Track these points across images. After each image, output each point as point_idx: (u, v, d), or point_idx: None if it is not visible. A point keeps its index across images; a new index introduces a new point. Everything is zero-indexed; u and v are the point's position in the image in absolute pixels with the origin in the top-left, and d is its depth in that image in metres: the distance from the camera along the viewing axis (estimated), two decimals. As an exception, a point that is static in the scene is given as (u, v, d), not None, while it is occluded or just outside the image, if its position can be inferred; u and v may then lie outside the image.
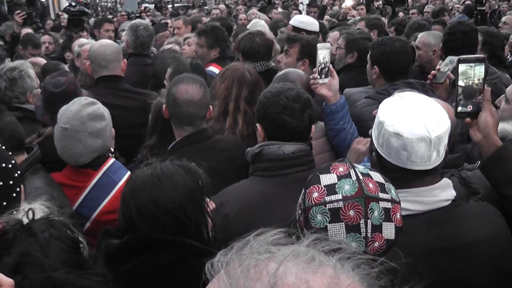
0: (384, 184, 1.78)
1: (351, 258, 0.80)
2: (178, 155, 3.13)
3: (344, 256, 0.80)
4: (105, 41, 4.99)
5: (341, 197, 1.69)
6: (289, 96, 2.82)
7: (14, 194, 2.08)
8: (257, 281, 0.76)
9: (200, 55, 5.88)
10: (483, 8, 8.60)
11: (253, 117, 3.65)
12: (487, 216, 2.27)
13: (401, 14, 11.37)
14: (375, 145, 2.18)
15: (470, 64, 2.44)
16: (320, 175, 1.77)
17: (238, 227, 2.41)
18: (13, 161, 2.13)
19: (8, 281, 1.23)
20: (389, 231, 1.71)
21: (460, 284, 2.13)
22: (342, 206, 1.68)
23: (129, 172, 3.23)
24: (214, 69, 5.49)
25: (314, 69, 3.50)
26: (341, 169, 1.77)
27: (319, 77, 3.44)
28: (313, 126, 2.94)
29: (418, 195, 2.13)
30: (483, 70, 2.44)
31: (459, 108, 2.45)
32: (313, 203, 1.71)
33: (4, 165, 2.05)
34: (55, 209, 1.84)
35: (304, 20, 6.33)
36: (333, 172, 1.76)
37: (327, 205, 1.69)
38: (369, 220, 1.68)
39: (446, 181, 2.22)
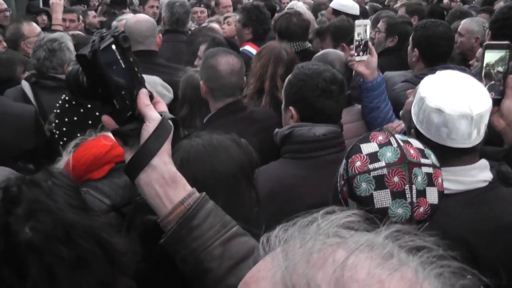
0: (423, 150, 1.80)
1: (436, 263, 0.68)
2: (214, 127, 3.23)
3: (428, 260, 0.68)
4: (141, 16, 5.08)
5: (384, 164, 1.72)
6: (326, 78, 2.81)
7: None
8: (319, 269, 0.65)
9: (237, 33, 5.94)
10: (533, -5, 8.41)
11: None
12: None
13: (445, 1, 11.22)
14: (415, 121, 2.20)
15: (495, 51, 2.44)
16: (361, 145, 1.81)
17: (268, 211, 2.41)
18: None
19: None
20: (433, 195, 1.74)
21: (495, 266, 2.13)
22: (386, 173, 1.71)
23: None
24: (250, 48, 5.52)
25: (351, 46, 3.53)
26: (380, 137, 1.80)
27: (355, 54, 3.46)
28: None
29: (456, 174, 2.14)
30: (507, 57, 2.43)
31: None
32: (357, 172, 1.75)
33: None
34: None
35: (344, 3, 6.30)
36: (373, 141, 1.80)
37: (371, 172, 1.72)
38: (413, 186, 1.71)
39: (484, 162, 2.23)
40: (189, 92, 3.72)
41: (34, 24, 5.47)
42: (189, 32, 6.03)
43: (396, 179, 1.71)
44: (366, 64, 3.49)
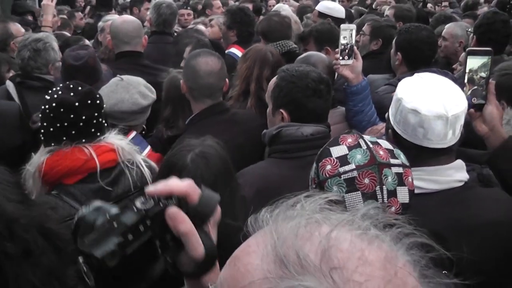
0: (393, 150, 1.86)
1: (407, 237, 0.76)
2: (197, 128, 3.28)
3: (399, 234, 0.76)
4: (127, 17, 5.17)
5: (354, 167, 1.77)
6: (314, 78, 2.87)
7: None
8: (307, 241, 0.72)
9: (222, 35, 6.00)
10: (517, 3, 8.56)
11: None
12: (500, 200, 2.34)
13: (429, 5, 11.34)
14: (392, 122, 2.26)
15: (478, 57, 2.51)
16: (331, 148, 1.85)
17: (256, 209, 2.46)
18: None
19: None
20: (403, 195, 1.79)
21: (471, 265, 2.18)
22: (357, 175, 1.75)
23: (149, 146, 3.38)
24: (235, 50, 5.56)
25: (336, 50, 3.57)
26: (349, 140, 1.84)
27: (341, 58, 3.50)
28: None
29: (432, 174, 2.20)
30: (489, 63, 2.50)
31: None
32: (328, 175, 1.78)
33: None
34: None
35: (330, 6, 6.38)
36: (342, 144, 1.84)
37: (342, 175, 1.76)
38: (384, 186, 1.76)
39: (460, 162, 2.28)
40: (172, 93, 3.77)
41: (18, 25, 5.49)
42: (175, 34, 6.07)
43: (366, 181, 1.75)
44: (351, 68, 3.53)
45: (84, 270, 0.99)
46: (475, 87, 2.49)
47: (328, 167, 1.80)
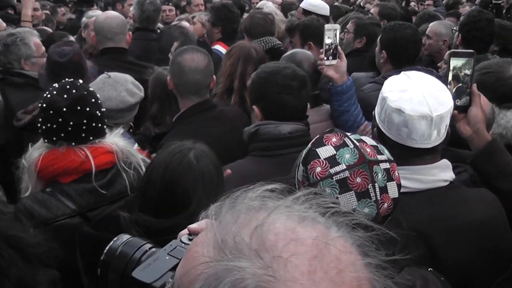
0: (377, 146, 1.85)
1: (344, 218, 0.81)
2: (185, 125, 3.29)
3: (337, 216, 0.81)
4: (111, 13, 5.14)
5: (345, 167, 1.76)
6: (286, 74, 2.89)
7: None
8: (244, 227, 0.78)
9: (206, 32, 6.00)
10: (500, 1, 8.63)
11: None
12: (485, 200, 2.35)
13: (412, 3, 11.41)
14: (377, 120, 2.26)
15: (461, 59, 2.53)
16: (317, 149, 1.82)
17: None
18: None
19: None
20: (393, 190, 1.79)
21: (455, 264, 2.19)
22: (349, 175, 1.75)
23: (137, 144, 3.39)
24: (220, 48, 5.59)
25: (321, 50, 3.57)
26: (334, 139, 1.82)
27: (325, 58, 3.50)
28: (308, 106, 3.02)
29: (416, 172, 2.21)
30: (472, 65, 2.52)
31: (457, 103, 2.49)
32: (319, 177, 1.76)
33: None
34: None
35: (314, 3, 6.40)
36: (328, 144, 1.81)
37: (334, 177, 1.74)
38: (376, 184, 1.76)
39: (445, 161, 2.29)
40: (159, 90, 3.77)
41: (0, 20, 5.43)
42: (159, 30, 6.06)
43: (358, 180, 1.74)
44: (335, 68, 3.53)
45: None
46: (460, 84, 2.51)
47: (318, 169, 1.78)
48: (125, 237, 1.18)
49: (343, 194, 1.74)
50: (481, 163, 2.50)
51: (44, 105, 2.65)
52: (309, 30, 4.88)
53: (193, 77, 3.43)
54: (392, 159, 1.86)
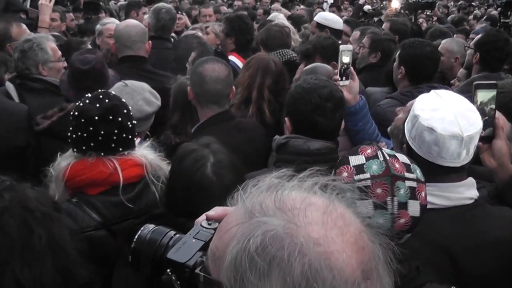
0: (410, 165, 1.92)
1: (348, 194, 1.04)
2: (204, 135, 3.33)
3: (341, 192, 1.03)
4: (131, 22, 5.18)
5: (369, 176, 1.84)
6: (322, 94, 2.90)
7: None
8: (267, 197, 1.00)
9: (220, 43, 6.06)
10: (508, 20, 8.73)
11: (277, 107, 3.81)
12: (509, 218, 2.41)
13: (420, 20, 11.50)
14: (407, 137, 2.32)
15: (485, 90, 2.57)
16: (350, 157, 1.92)
17: None
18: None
19: None
20: (414, 208, 1.85)
21: (479, 279, 2.25)
22: (370, 184, 1.82)
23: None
24: (234, 58, 5.62)
25: (336, 71, 3.60)
26: (369, 151, 1.92)
27: (340, 79, 3.53)
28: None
29: (444, 190, 2.27)
30: (495, 96, 2.57)
31: (482, 134, 2.50)
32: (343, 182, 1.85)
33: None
34: None
35: (328, 18, 6.47)
36: (361, 154, 1.91)
37: (356, 183, 1.81)
38: (395, 198, 1.82)
39: (471, 180, 2.35)
40: (180, 99, 3.81)
41: (23, 26, 5.47)
42: (174, 39, 6.11)
43: (379, 190, 1.81)
44: (348, 88, 3.55)
45: (173, 279, 1.09)
46: (486, 117, 2.53)
47: (344, 174, 1.87)
48: (151, 226, 1.30)
49: (361, 201, 1.81)
50: (508, 195, 2.55)
51: (76, 113, 2.66)
52: (329, 50, 4.82)
53: (214, 87, 3.49)
54: (423, 180, 1.92)
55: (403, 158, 1.94)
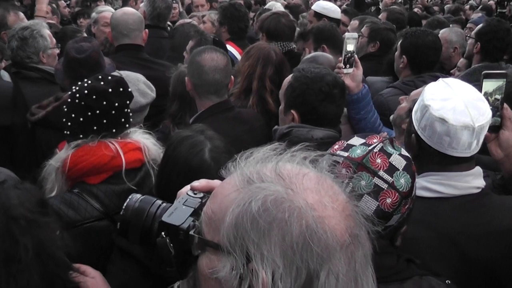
0: (398, 170, 1.83)
1: (332, 168, 1.15)
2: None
3: (326, 165, 1.15)
4: (128, 9, 5.15)
5: (345, 155, 1.83)
6: (329, 82, 2.89)
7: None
8: (263, 167, 1.10)
9: (216, 32, 6.04)
10: (504, 10, 8.74)
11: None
12: None
13: (416, 9, 11.49)
14: (416, 127, 2.31)
15: (493, 79, 2.57)
16: (355, 136, 1.93)
17: None
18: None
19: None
20: (367, 206, 1.78)
21: (485, 269, 2.25)
22: (341, 162, 1.81)
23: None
24: (229, 48, 5.58)
25: (340, 58, 3.59)
26: (374, 140, 1.88)
27: (344, 66, 3.52)
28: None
29: (451, 179, 2.27)
30: (504, 86, 2.57)
31: None
32: (330, 152, 1.89)
33: None
34: None
35: (326, 7, 6.43)
36: (363, 138, 1.90)
37: (333, 156, 1.83)
38: (350, 184, 1.78)
39: (478, 169, 2.35)
40: (180, 88, 3.77)
41: (21, 14, 5.41)
42: (170, 28, 6.06)
43: (343, 170, 1.79)
44: (351, 76, 3.54)
45: (167, 241, 1.16)
46: (490, 107, 2.48)
47: (336, 146, 1.91)
48: (138, 195, 1.36)
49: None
50: None
51: (86, 91, 2.58)
52: (322, 33, 4.94)
53: (213, 76, 3.45)
54: (401, 191, 1.80)
55: (399, 161, 1.85)
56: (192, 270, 1.16)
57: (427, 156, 2.22)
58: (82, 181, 2.61)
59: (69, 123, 2.62)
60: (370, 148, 1.84)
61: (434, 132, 2.23)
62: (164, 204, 1.31)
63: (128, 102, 2.66)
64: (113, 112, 2.60)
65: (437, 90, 2.31)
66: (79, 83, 2.68)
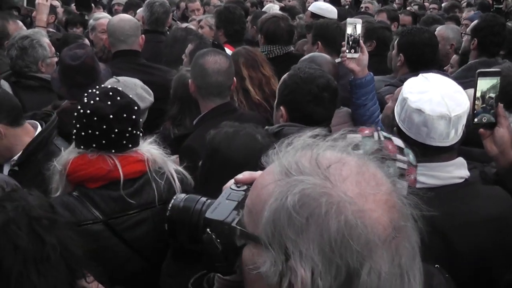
0: (403, 148, 2.02)
1: (377, 155, 1.12)
2: (207, 127, 3.33)
3: (371, 153, 1.13)
4: (125, 16, 5.27)
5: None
6: (320, 84, 2.98)
7: None
8: (302, 157, 1.07)
9: (214, 36, 6.09)
10: (501, 6, 8.76)
11: (261, 79, 4.00)
12: (499, 197, 2.51)
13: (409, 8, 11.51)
14: (397, 120, 2.42)
15: (488, 78, 2.64)
16: (348, 134, 1.94)
17: None
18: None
19: None
20: (401, 187, 1.86)
21: (470, 257, 2.33)
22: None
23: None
24: (227, 50, 5.60)
25: (343, 43, 3.72)
26: (366, 131, 2.02)
27: (347, 51, 3.64)
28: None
29: (433, 170, 2.36)
30: (498, 84, 2.64)
31: (475, 120, 2.61)
32: None
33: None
34: None
35: (323, 7, 6.53)
36: (359, 132, 2.01)
37: None
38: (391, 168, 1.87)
39: (460, 159, 2.45)
40: (180, 91, 3.87)
41: (19, 23, 5.44)
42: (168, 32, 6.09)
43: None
44: (357, 61, 3.68)
45: (213, 237, 1.16)
46: (484, 105, 2.62)
47: None
48: (182, 195, 1.36)
49: None
50: (508, 182, 2.62)
51: (88, 111, 2.63)
52: (320, 30, 5.03)
53: (216, 78, 3.53)
54: (415, 164, 2.02)
55: (397, 141, 2.05)
56: (238, 260, 1.13)
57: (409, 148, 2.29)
58: (82, 185, 2.70)
59: (74, 130, 2.69)
60: (377, 138, 1.98)
61: (412, 123, 2.33)
62: (209, 201, 1.29)
63: (130, 128, 2.67)
64: (113, 135, 2.65)
65: (416, 83, 2.42)
66: (90, 92, 2.72)
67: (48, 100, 4.15)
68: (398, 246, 1.01)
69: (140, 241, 2.71)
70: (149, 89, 3.93)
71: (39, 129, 3.21)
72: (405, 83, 2.46)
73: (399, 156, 1.94)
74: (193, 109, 3.72)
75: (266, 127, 3.07)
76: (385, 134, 2.05)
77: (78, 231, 2.48)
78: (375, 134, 2.00)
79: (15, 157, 3.12)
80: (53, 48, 4.63)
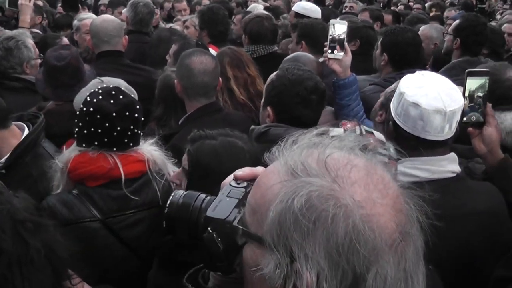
0: (385, 143, 2.06)
1: (382, 157, 1.12)
2: (192, 127, 3.34)
3: (377, 154, 1.09)
4: (107, 17, 5.27)
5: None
6: (308, 87, 2.99)
7: None
8: (309, 156, 1.04)
9: (198, 37, 6.10)
10: (484, 6, 8.85)
11: (246, 79, 4.01)
12: (489, 192, 2.58)
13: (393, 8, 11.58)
14: (393, 114, 2.46)
15: (477, 77, 2.70)
16: (330, 128, 2.00)
17: None
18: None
19: None
20: None
21: (459, 251, 2.39)
22: None
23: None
24: (212, 51, 5.61)
25: (325, 43, 3.71)
26: (349, 125, 2.08)
27: (330, 51, 3.64)
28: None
29: (426, 163, 2.41)
30: (487, 84, 2.70)
31: (464, 118, 2.66)
32: None
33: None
34: None
35: (306, 7, 6.55)
36: (341, 126, 2.07)
37: None
38: None
39: (453, 155, 2.50)
40: (165, 92, 3.87)
41: None
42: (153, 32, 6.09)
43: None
44: (339, 62, 3.68)
45: (215, 236, 1.13)
46: (472, 103, 2.68)
47: None
48: (180, 191, 1.33)
49: None
50: (496, 180, 2.70)
51: (91, 109, 2.66)
52: (304, 30, 5.07)
53: (202, 79, 3.55)
54: (395, 158, 2.03)
55: (379, 135, 2.12)
56: (238, 258, 1.11)
57: (404, 141, 2.34)
58: (83, 183, 2.72)
59: (76, 129, 2.71)
60: (359, 132, 2.03)
61: (408, 116, 2.38)
62: (209, 197, 1.27)
63: (132, 126, 2.70)
64: (115, 134, 2.67)
65: (413, 79, 2.48)
66: (92, 91, 2.75)
67: (32, 101, 4.12)
68: (403, 250, 1.01)
69: (137, 241, 2.74)
70: (133, 90, 3.90)
71: (26, 131, 3.17)
72: (402, 79, 2.51)
73: (380, 150, 1.97)
74: (178, 109, 3.73)
75: (252, 126, 3.10)
76: (366, 128, 2.11)
77: (71, 230, 2.52)
78: (357, 128, 2.06)
79: (2, 160, 3.07)
80: (37, 50, 4.61)
